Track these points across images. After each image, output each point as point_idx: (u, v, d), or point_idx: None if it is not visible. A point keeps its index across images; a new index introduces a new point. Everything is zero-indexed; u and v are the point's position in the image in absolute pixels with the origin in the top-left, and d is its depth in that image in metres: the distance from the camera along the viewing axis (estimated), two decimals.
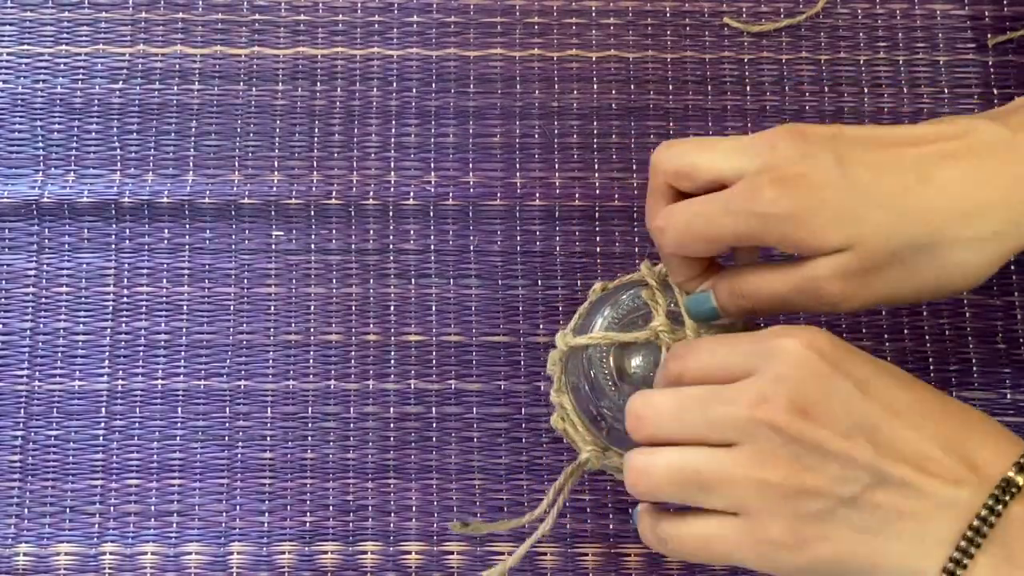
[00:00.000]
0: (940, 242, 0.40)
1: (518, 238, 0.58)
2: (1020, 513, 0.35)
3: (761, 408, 0.37)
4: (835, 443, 0.36)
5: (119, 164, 0.59)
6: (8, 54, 0.61)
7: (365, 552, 0.54)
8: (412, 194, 0.59)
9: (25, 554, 0.54)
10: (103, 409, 0.56)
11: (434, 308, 0.57)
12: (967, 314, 0.57)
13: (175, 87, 0.60)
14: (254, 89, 0.60)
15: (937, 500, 0.36)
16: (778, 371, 0.38)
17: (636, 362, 0.47)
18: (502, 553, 0.54)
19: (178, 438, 0.56)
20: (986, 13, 0.62)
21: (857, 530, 0.36)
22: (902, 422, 0.37)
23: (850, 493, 0.36)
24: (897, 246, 0.40)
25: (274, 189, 0.59)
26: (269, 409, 0.56)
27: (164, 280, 0.58)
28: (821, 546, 0.37)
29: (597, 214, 0.58)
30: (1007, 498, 0.35)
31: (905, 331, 0.57)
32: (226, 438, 0.56)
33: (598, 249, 0.58)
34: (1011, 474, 0.35)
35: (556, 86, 0.61)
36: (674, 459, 0.39)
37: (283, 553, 0.54)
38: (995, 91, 0.61)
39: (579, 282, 0.58)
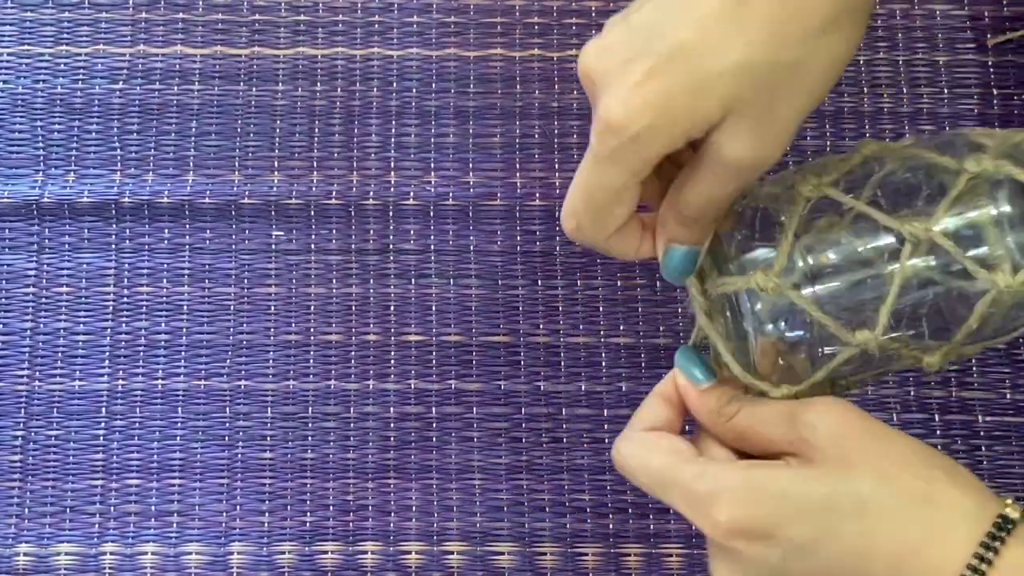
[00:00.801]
0: (802, 54, 0.36)
1: (518, 238, 0.58)
2: None
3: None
4: None
5: (119, 164, 0.59)
6: (8, 54, 0.61)
7: (365, 552, 0.54)
8: (412, 194, 0.59)
9: (25, 554, 0.54)
10: (103, 409, 0.56)
11: (434, 308, 0.57)
12: None
13: (175, 87, 0.60)
14: (254, 89, 0.60)
15: None
16: (711, 550, 0.39)
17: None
18: (502, 553, 0.54)
19: (178, 438, 0.56)
20: (986, 13, 0.62)
21: None
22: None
23: None
24: (758, 76, 0.36)
25: (274, 189, 0.59)
26: (269, 409, 0.56)
27: (164, 280, 0.58)
28: None
29: None
30: None
31: None
32: (226, 438, 0.56)
33: None
34: None
35: (556, 86, 0.61)
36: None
37: (283, 553, 0.54)
38: (995, 91, 0.61)
39: (579, 282, 0.58)
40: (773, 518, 0.37)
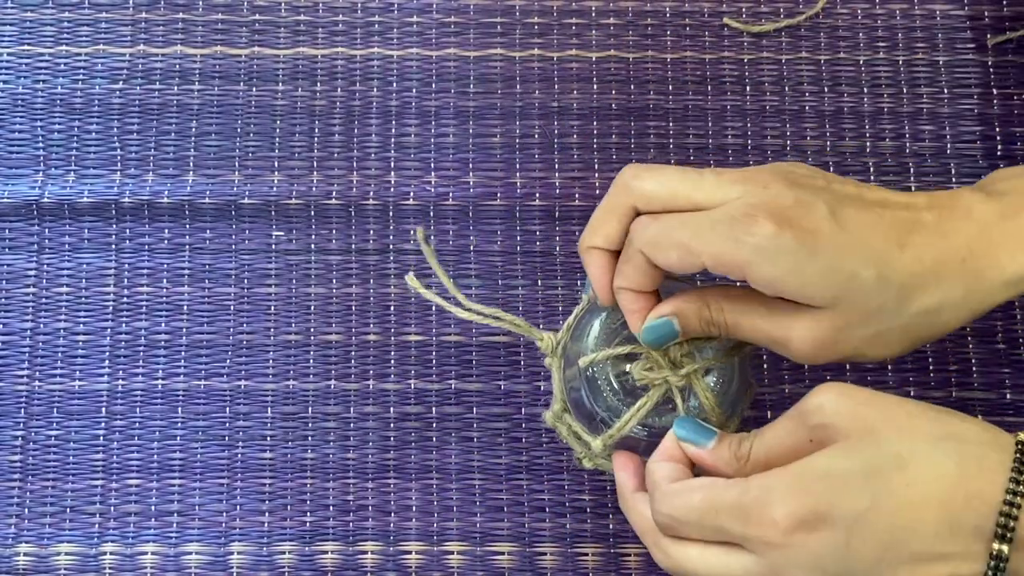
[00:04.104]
0: (910, 306, 0.42)
1: (518, 238, 0.58)
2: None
3: None
4: None
5: (119, 164, 0.59)
6: (8, 54, 0.61)
7: (365, 552, 0.54)
8: (412, 194, 0.59)
9: (25, 554, 0.54)
10: (103, 409, 0.56)
11: (434, 308, 0.57)
12: None
13: (175, 87, 0.60)
14: (254, 89, 0.60)
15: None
16: (774, 567, 0.39)
17: (634, 368, 0.47)
18: (502, 553, 0.54)
19: (178, 438, 0.56)
20: (986, 13, 0.62)
21: None
22: (894, 545, 0.38)
23: None
24: (875, 309, 0.41)
25: (274, 189, 0.59)
26: (269, 409, 0.56)
27: (164, 280, 0.58)
28: None
29: None
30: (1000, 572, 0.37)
31: None
32: (226, 438, 0.56)
33: None
34: (996, 546, 0.37)
35: (556, 86, 0.61)
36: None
37: (283, 553, 0.54)
38: (994, 91, 0.61)
39: (579, 282, 0.58)
40: (826, 497, 0.38)
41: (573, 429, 0.49)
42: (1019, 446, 0.38)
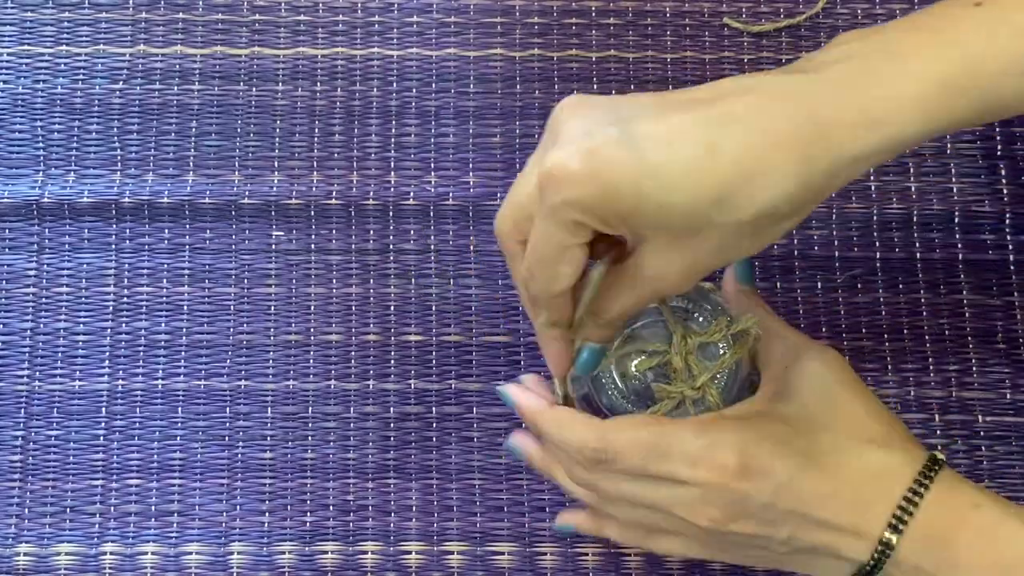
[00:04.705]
0: (737, 209, 0.37)
1: None
2: (904, 562, 0.41)
3: (692, 520, 0.43)
4: (758, 531, 0.42)
5: (119, 164, 0.59)
6: (8, 54, 0.61)
7: (365, 552, 0.54)
8: (412, 194, 0.59)
9: (25, 554, 0.54)
10: (103, 409, 0.56)
11: (434, 308, 0.57)
12: (967, 314, 0.58)
13: (175, 87, 0.60)
14: (254, 89, 0.60)
15: (840, 551, 0.42)
16: (702, 498, 0.42)
17: (640, 364, 0.47)
18: (502, 553, 0.54)
19: (178, 438, 0.56)
20: None
21: (781, 561, 0.44)
22: (811, 506, 0.42)
23: (774, 552, 0.44)
24: (698, 223, 0.38)
25: (274, 189, 0.59)
26: (269, 409, 0.56)
27: (164, 280, 0.58)
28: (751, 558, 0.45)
29: None
30: (886, 558, 0.41)
31: (905, 331, 0.57)
32: (226, 438, 0.56)
33: None
34: (887, 534, 0.41)
35: (556, 86, 0.61)
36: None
37: (283, 553, 0.54)
38: None
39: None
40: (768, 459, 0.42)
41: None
42: (931, 459, 0.42)
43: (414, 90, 0.60)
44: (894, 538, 0.41)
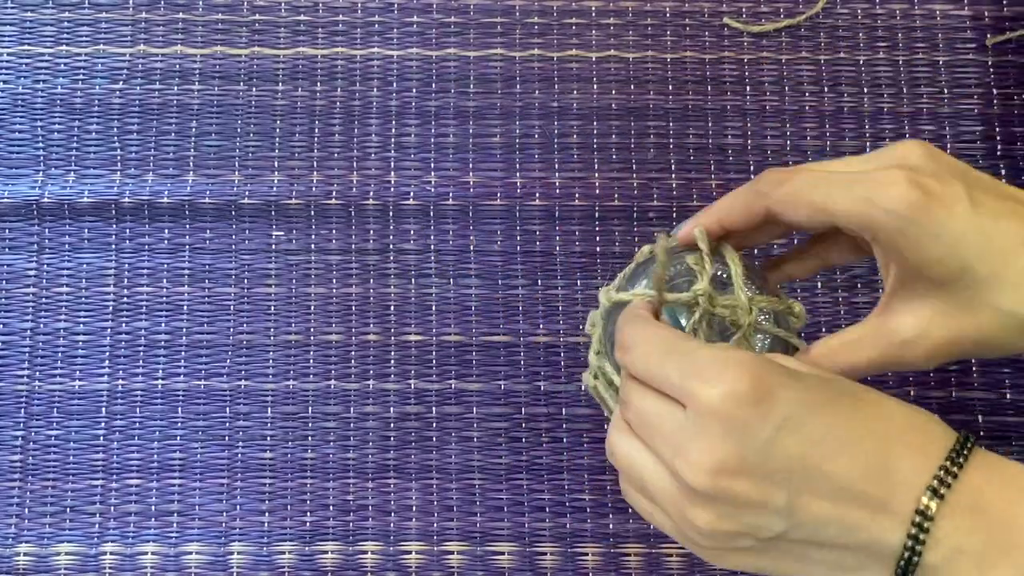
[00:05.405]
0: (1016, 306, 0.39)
1: (518, 238, 0.58)
2: (944, 542, 0.35)
3: (680, 473, 0.37)
4: (752, 493, 0.36)
5: (119, 164, 0.59)
6: (8, 54, 0.61)
7: (365, 552, 0.54)
8: (412, 194, 0.59)
9: (25, 554, 0.54)
10: (103, 409, 0.56)
11: (434, 308, 0.57)
12: None
13: (175, 87, 0.60)
14: (254, 89, 0.60)
15: (858, 536, 0.36)
16: (697, 427, 0.37)
17: (677, 325, 0.46)
18: (502, 553, 0.54)
19: (178, 438, 0.56)
20: (986, 13, 0.62)
21: (780, 559, 0.38)
22: (820, 455, 0.36)
23: (769, 535, 0.37)
24: (976, 301, 0.40)
25: (274, 189, 0.59)
26: (269, 409, 0.56)
27: (164, 280, 0.58)
28: (744, 563, 0.39)
29: (597, 214, 0.58)
30: (923, 534, 0.35)
31: None
32: (226, 438, 0.56)
33: (598, 249, 0.58)
34: (925, 500, 0.35)
35: (556, 86, 0.61)
36: (630, 456, 0.40)
37: (283, 553, 0.54)
38: (995, 91, 0.61)
39: (579, 282, 0.58)
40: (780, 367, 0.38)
41: (608, 376, 0.46)
42: (962, 438, 0.37)
43: (414, 90, 0.60)
44: (933, 505, 0.35)
